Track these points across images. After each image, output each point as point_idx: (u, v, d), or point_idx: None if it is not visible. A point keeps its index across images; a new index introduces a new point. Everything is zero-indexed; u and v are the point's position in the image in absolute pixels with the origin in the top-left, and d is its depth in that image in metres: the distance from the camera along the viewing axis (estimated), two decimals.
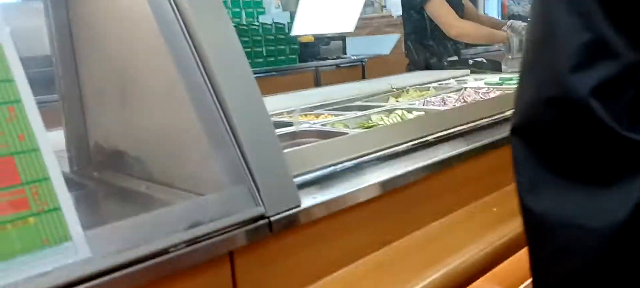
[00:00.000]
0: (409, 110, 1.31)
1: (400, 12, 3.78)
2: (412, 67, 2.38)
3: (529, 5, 3.39)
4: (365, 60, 3.34)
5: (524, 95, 0.54)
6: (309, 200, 0.66)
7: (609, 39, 0.48)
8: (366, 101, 1.57)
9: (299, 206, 0.64)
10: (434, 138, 0.93)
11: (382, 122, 1.18)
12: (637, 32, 0.48)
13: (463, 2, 2.49)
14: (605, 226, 0.48)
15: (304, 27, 3.03)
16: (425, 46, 2.36)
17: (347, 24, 3.11)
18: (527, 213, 0.53)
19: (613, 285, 0.50)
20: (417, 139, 0.90)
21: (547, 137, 0.52)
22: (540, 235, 0.53)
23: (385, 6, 4.03)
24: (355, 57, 3.38)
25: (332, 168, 0.76)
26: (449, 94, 1.54)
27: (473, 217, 0.88)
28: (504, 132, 1.04)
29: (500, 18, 4.15)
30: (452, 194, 0.89)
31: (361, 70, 3.33)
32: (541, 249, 0.53)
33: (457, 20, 2.29)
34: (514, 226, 0.81)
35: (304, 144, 0.91)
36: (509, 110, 1.20)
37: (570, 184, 0.50)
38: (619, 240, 0.48)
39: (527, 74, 0.54)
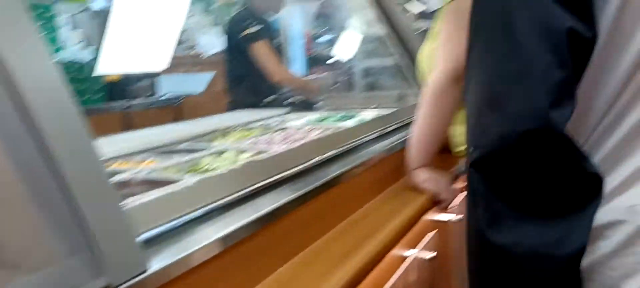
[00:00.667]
0: (240, 151, 1.28)
1: (213, 51, 3.78)
2: (233, 105, 2.38)
3: (331, 46, 3.68)
4: (181, 99, 3.23)
5: (490, 129, 0.54)
6: (156, 262, 0.59)
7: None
8: (192, 143, 1.50)
9: (145, 271, 0.56)
10: (274, 180, 0.93)
11: (214, 165, 1.14)
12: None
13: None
14: (567, 254, 0.51)
15: (111, 65, 2.80)
16: (247, 85, 2.39)
17: (159, 62, 2.97)
18: (490, 246, 0.53)
19: None
20: (261, 181, 0.88)
21: (514, 170, 0.52)
22: (504, 267, 0.53)
23: (197, 45, 3.97)
24: (168, 96, 3.25)
25: (176, 221, 0.69)
26: (274, 134, 1.56)
27: (318, 258, 0.89)
28: (343, 167, 1.09)
29: (304, 58, 4.44)
30: (300, 235, 0.89)
31: (176, 109, 3.20)
32: (506, 280, 0.54)
33: (280, 67, 2.38)
34: (358, 263, 0.84)
35: (136, 195, 0.82)
36: (348, 143, 1.27)
37: (533, 216, 0.52)
38: (578, 264, 0.53)
39: (495, 108, 0.54)
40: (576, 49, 0.52)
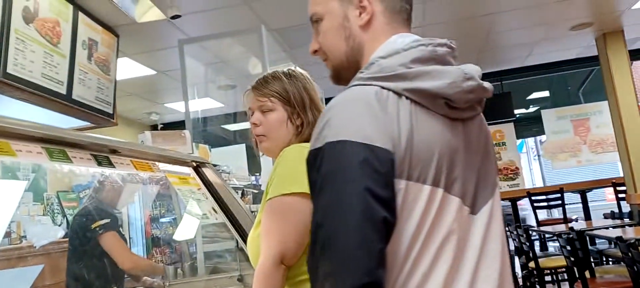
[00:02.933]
0: None
1: (43, 242, 3.60)
2: None
3: (172, 227, 3.76)
4: None
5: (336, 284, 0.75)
6: None
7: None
8: None
9: None
10: None
11: None
12: None
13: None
14: None
15: None
16: (89, 277, 2.36)
17: None
18: None
19: None
20: None
21: None
22: None
23: (25, 236, 3.75)
24: None
25: None
26: None
27: None
28: None
29: (144, 239, 4.43)
30: None
31: None
32: None
33: (131, 255, 2.43)
34: None
35: None
36: None
37: None
38: None
39: (334, 271, 0.76)
40: (387, 230, 0.79)
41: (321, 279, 0.78)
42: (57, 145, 1.46)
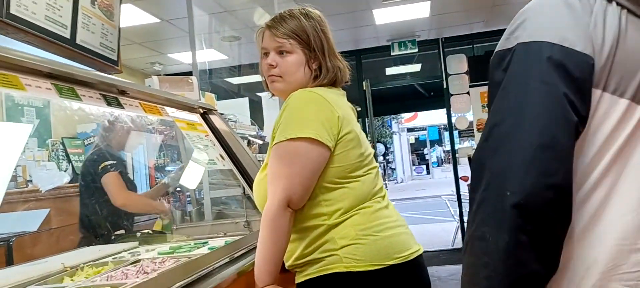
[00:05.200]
0: (96, 287, 1.33)
1: (49, 187, 3.63)
2: (84, 241, 2.36)
3: (176, 176, 3.77)
4: (13, 239, 3.01)
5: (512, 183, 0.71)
6: None
7: None
8: (39, 285, 1.49)
9: None
10: None
11: None
12: None
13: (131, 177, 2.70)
14: None
15: None
16: (98, 219, 2.40)
17: None
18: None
19: None
20: None
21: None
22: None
23: (31, 180, 3.77)
24: None
25: None
26: (128, 267, 1.61)
27: None
28: None
29: (148, 186, 4.47)
30: None
31: (5, 251, 2.96)
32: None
33: (124, 192, 2.45)
34: None
35: None
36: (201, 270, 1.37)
37: None
38: None
39: (511, 168, 0.71)
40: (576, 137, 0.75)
41: (493, 176, 0.74)
42: (66, 82, 1.44)
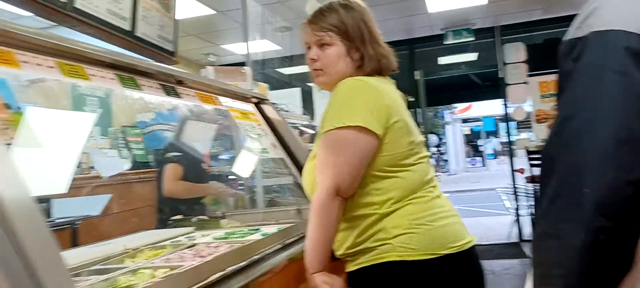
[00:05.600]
0: (156, 268, 1.39)
1: (110, 174, 3.81)
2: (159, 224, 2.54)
3: (230, 165, 3.87)
4: (78, 222, 3.18)
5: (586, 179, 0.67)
6: None
7: None
8: (103, 265, 1.57)
9: None
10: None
11: (134, 281, 1.24)
12: None
13: None
14: None
15: None
16: (172, 204, 2.57)
17: (57, 186, 2.95)
18: None
19: None
20: None
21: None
22: None
23: (93, 167, 3.97)
24: (63, 220, 3.19)
25: None
26: (184, 251, 1.68)
27: None
28: (251, 276, 1.24)
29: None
30: None
31: (71, 233, 3.14)
32: None
33: (170, 182, 2.57)
34: None
35: None
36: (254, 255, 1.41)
37: None
38: None
39: (586, 164, 0.67)
40: None
41: (568, 171, 0.71)
42: (127, 72, 1.50)
